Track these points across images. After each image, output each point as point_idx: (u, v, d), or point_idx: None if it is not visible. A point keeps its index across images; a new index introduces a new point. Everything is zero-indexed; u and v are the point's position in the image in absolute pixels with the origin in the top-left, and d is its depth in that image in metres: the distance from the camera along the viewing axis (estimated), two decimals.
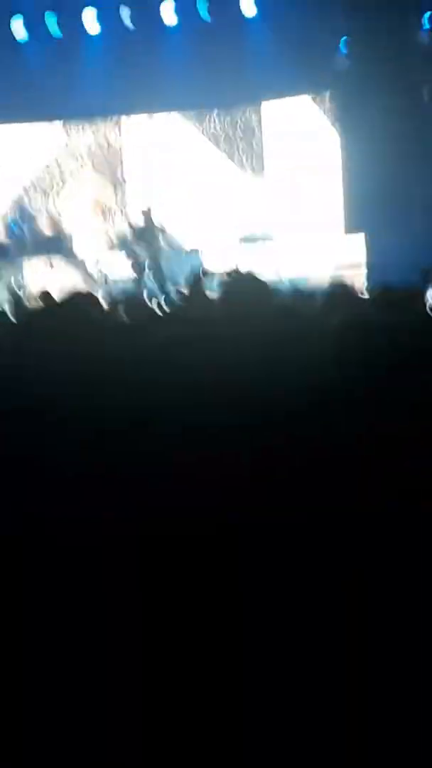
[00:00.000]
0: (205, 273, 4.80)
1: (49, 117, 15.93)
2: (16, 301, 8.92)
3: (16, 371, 2.74)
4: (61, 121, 16.18)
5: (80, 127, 16.33)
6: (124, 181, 16.36)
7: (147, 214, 14.99)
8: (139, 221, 15.11)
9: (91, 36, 15.14)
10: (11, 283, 14.30)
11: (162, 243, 14.91)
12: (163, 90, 14.81)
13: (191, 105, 15.64)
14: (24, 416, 2.58)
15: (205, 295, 4.75)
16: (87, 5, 14.94)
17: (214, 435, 2.34)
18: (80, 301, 3.54)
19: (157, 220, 15.08)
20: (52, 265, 15.28)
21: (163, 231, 15.03)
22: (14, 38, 15.17)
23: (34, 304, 6.43)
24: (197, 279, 4.87)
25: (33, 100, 14.99)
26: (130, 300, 6.89)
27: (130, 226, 15.45)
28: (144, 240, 14.70)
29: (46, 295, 5.40)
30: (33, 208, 16.24)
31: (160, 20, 14.86)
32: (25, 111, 15.33)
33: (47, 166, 16.53)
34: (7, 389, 2.76)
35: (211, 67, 14.38)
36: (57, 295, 5.41)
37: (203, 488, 2.26)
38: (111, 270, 15.51)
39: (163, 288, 13.40)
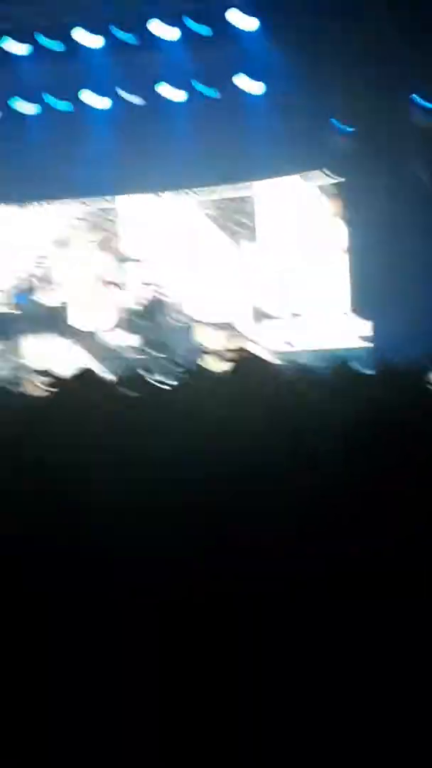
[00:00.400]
0: (208, 349, 4.80)
1: (48, 197, 16.07)
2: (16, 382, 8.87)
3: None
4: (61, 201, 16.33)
5: (80, 203, 16.48)
6: (127, 256, 16.45)
7: (151, 289, 15.09)
8: (143, 296, 15.19)
9: (92, 115, 15.27)
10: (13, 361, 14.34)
11: (166, 318, 14.97)
12: (162, 171, 14.94)
13: (191, 184, 15.76)
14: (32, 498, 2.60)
15: (208, 372, 4.75)
16: (83, 87, 15.08)
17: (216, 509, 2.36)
18: (85, 380, 3.55)
19: (160, 295, 15.16)
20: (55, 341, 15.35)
21: (166, 306, 15.11)
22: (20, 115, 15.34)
23: (35, 385, 6.42)
24: (200, 355, 4.87)
25: (34, 180, 15.12)
26: (134, 376, 6.89)
27: (135, 301, 15.54)
28: (148, 315, 14.77)
29: (48, 374, 5.39)
30: (36, 283, 16.32)
31: (158, 100, 15.04)
32: (29, 192, 15.53)
33: (50, 241, 16.65)
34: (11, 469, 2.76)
35: (210, 146, 14.51)
36: (62, 373, 5.40)
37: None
38: (115, 345, 15.56)
39: (167, 363, 13.41)
